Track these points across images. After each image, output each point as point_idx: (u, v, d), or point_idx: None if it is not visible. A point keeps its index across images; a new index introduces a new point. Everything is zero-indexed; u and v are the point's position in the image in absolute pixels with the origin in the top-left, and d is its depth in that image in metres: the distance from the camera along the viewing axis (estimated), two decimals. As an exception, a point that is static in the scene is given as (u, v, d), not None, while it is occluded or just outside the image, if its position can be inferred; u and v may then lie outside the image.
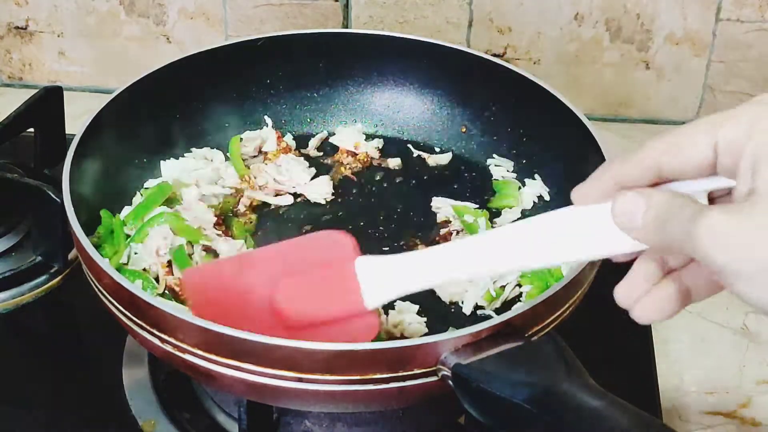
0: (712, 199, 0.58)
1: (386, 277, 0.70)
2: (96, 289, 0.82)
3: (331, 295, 0.72)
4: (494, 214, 1.00)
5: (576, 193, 0.60)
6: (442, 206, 1.00)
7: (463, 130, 1.08)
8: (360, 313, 0.71)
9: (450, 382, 0.70)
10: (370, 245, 0.89)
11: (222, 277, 0.76)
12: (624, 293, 0.59)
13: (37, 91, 1.09)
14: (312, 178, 1.04)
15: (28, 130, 1.09)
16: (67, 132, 1.11)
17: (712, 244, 0.52)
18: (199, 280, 0.77)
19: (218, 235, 0.94)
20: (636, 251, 0.59)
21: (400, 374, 0.71)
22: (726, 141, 0.53)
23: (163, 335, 0.75)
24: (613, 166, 0.58)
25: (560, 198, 0.98)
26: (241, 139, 1.06)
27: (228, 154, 1.05)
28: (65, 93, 1.11)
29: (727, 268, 0.52)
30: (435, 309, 0.89)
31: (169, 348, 0.75)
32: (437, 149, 1.08)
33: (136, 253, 0.90)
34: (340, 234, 0.73)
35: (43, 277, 1.01)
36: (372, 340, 0.72)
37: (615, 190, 0.57)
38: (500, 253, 0.64)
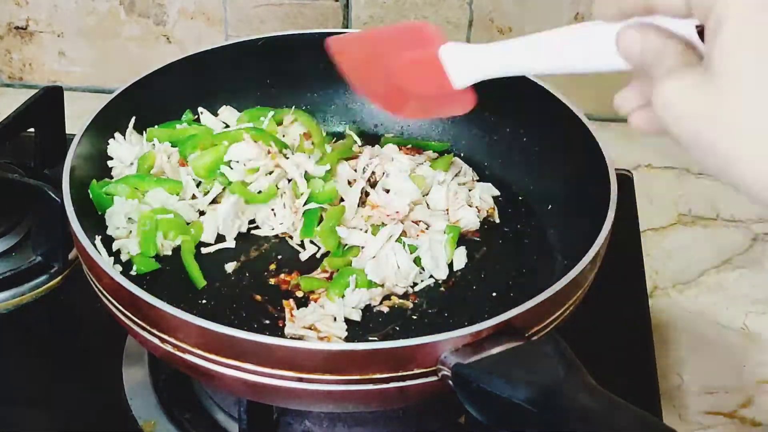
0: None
1: (469, 64, 0.80)
2: (96, 289, 0.82)
3: (427, 76, 0.81)
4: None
5: (597, 6, 0.65)
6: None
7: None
8: (455, 92, 0.81)
9: (450, 382, 0.70)
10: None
11: (358, 44, 0.91)
12: (621, 98, 0.64)
13: (37, 91, 1.09)
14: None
15: (28, 130, 1.09)
16: (67, 132, 1.11)
17: (666, 115, 0.55)
18: (340, 45, 0.92)
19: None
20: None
21: (400, 374, 0.71)
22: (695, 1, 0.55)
23: (163, 335, 0.75)
24: None
25: (559, 198, 0.98)
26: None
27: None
28: (65, 93, 1.11)
29: (675, 138, 0.55)
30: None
31: (169, 348, 0.75)
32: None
33: None
34: (426, 24, 0.83)
35: (43, 277, 1.01)
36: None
37: (623, 16, 0.62)
38: (563, 52, 0.71)
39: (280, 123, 1.05)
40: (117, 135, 0.98)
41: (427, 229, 0.96)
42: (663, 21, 0.59)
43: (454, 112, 0.87)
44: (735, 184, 0.53)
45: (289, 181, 0.98)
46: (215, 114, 1.06)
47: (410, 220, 0.96)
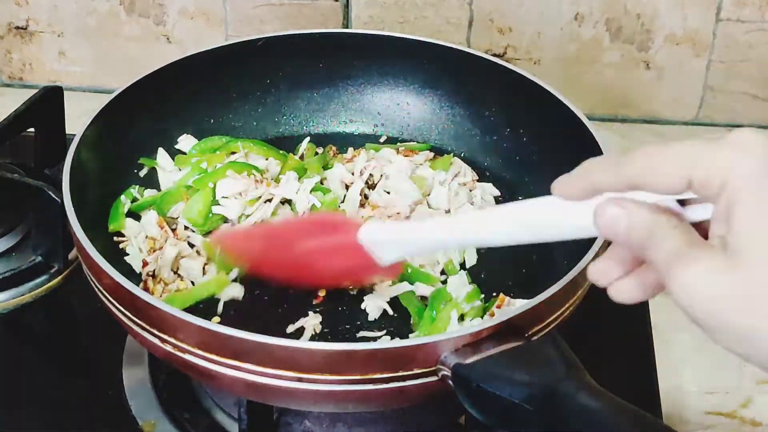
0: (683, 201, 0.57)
1: (388, 244, 0.74)
2: (96, 289, 0.82)
3: (348, 258, 0.77)
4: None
5: (557, 185, 0.61)
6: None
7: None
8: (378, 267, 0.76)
9: (450, 382, 0.70)
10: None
11: (249, 237, 0.87)
12: (597, 272, 0.60)
13: (37, 91, 1.09)
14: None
15: (28, 130, 1.09)
16: (67, 132, 1.11)
17: (687, 299, 0.54)
18: (229, 240, 0.88)
19: None
20: None
21: (400, 374, 0.71)
22: (700, 181, 0.53)
23: (163, 335, 0.75)
24: (594, 172, 0.58)
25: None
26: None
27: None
28: (65, 93, 1.11)
29: (698, 321, 0.55)
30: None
31: (169, 348, 0.75)
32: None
33: None
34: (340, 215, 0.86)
35: (43, 277, 1.01)
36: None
37: (593, 192, 0.58)
38: (490, 229, 0.66)
39: (232, 153, 1.03)
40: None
41: None
42: (638, 195, 0.56)
43: (381, 278, 0.86)
44: (749, 357, 0.53)
45: (284, 202, 0.98)
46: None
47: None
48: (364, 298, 0.88)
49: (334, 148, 1.07)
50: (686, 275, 0.53)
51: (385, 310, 0.88)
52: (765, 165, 0.52)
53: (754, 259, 0.51)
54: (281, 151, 1.04)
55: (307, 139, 1.07)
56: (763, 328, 0.51)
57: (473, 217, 0.72)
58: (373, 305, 0.88)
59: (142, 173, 1.01)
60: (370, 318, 0.87)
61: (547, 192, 1.02)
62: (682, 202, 0.57)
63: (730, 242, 0.52)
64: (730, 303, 0.52)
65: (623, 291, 0.60)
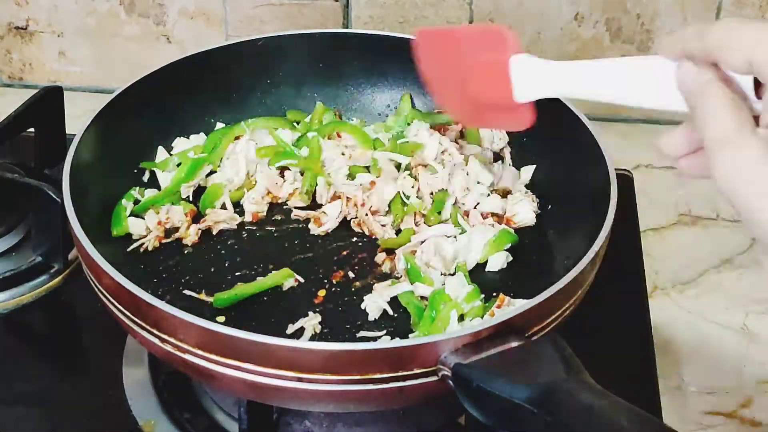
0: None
1: (534, 79, 0.80)
2: (96, 289, 0.82)
3: (491, 83, 0.83)
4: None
5: (659, 42, 0.66)
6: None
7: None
8: (515, 106, 0.82)
9: (450, 382, 0.70)
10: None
11: (441, 39, 0.91)
12: (667, 144, 0.65)
13: (37, 91, 1.09)
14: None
15: (28, 130, 1.09)
16: (67, 132, 1.11)
17: (725, 185, 0.56)
18: (428, 37, 0.93)
19: None
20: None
21: (400, 374, 0.71)
22: (758, 63, 0.55)
23: (163, 335, 0.75)
24: (686, 33, 0.62)
25: (559, 198, 0.98)
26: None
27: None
28: (65, 93, 1.11)
29: (735, 208, 0.56)
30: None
31: (169, 348, 0.75)
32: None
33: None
34: (507, 30, 0.84)
35: (43, 277, 1.01)
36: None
37: (684, 54, 0.62)
38: (626, 82, 0.73)
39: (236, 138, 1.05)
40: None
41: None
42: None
43: (512, 127, 0.90)
44: None
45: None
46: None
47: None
48: (364, 298, 0.88)
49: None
50: (726, 162, 0.55)
51: (385, 310, 0.88)
52: None
53: None
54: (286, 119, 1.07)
55: (319, 103, 1.09)
56: None
57: (609, 64, 0.75)
58: (373, 305, 0.88)
59: (145, 177, 1.01)
60: (370, 318, 0.87)
61: (547, 193, 1.03)
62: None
63: None
64: (761, 188, 0.53)
65: (686, 167, 0.65)
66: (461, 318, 0.85)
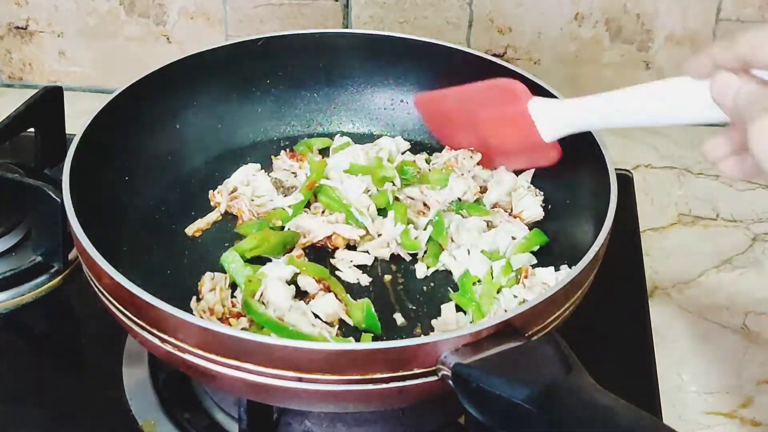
0: None
1: (557, 119, 0.87)
2: (96, 289, 0.82)
3: (514, 131, 0.90)
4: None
5: (688, 65, 0.72)
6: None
7: None
8: (541, 145, 0.90)
9: (450, 382, 0.70)
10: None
11: (441, 102, 0.99)
12: (712, 147, 0.71)
13: (37, 91, 1.09)
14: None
15: (28, 130, 1.09)
16: (67, 132, 1.11)
17: (761, 149, 0.61)
18: (427, 102, 1.02)
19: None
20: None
21: (400, 374, 0.71)
22: None
23: (163, 335, 0.75)
24: (714, 49, 0.69)
25: (559, 198, 0.98)
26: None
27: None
28: (65, 93, 1.11)
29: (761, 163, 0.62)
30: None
31: (169, 348, 0.75)
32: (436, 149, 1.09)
33: None
34: (514, 81, 0.91)
35: (43, 277, 1.01)
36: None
37: (714, 68, 0.69)
38: (647, 107, 0.78)
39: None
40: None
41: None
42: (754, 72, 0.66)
43: (540, 163, 0.95)
44: None
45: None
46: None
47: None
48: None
49: None
50: (758, 123, 0.61)
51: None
52: None
53: None
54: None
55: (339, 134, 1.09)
56: None
57: (633, 94, 0.80)
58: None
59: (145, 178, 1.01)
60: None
61: (547, 194, 1.03)
62: None
63: None
64: None
65: (728, 167, 0.71)
66: (498, 290, 0.89)
